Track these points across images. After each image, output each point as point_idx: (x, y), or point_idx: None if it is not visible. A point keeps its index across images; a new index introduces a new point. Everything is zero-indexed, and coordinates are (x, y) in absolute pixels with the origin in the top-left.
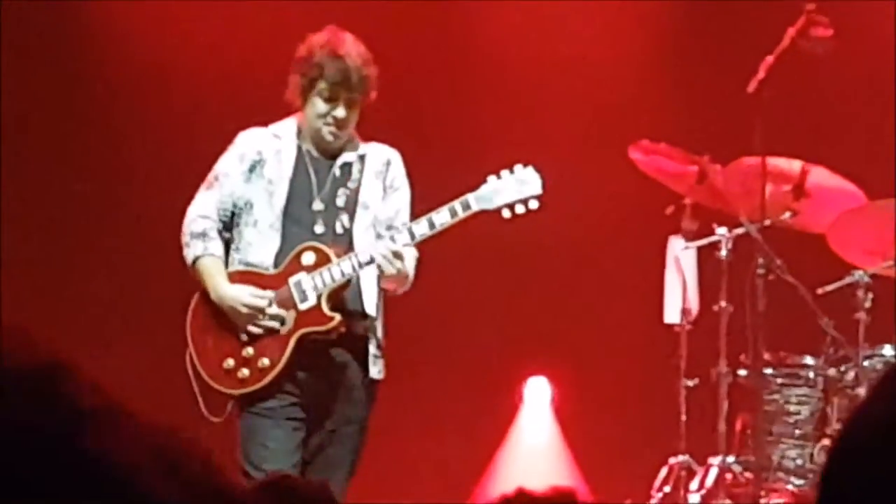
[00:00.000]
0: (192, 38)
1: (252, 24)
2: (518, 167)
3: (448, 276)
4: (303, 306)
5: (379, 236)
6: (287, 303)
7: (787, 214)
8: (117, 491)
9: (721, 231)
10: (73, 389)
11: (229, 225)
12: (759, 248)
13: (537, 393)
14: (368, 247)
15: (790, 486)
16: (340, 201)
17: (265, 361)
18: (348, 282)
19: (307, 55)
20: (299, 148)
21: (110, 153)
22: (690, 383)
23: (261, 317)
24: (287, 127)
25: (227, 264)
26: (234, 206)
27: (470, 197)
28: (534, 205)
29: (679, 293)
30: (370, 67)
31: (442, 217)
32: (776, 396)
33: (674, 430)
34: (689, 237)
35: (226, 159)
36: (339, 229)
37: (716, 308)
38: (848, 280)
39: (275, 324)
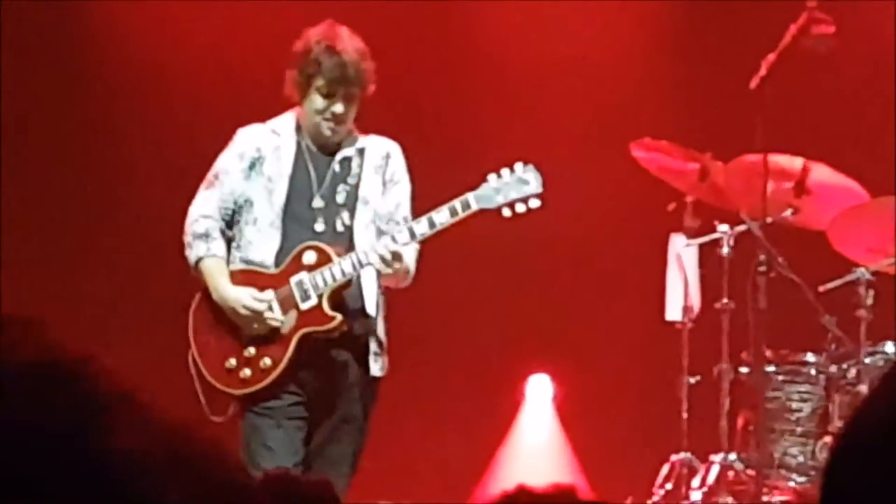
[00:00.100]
0: (191, 38)
1: (252, 24)
2: (518, 165)
3: (449, 274)
4: (304, 306)
5: (380, 231)
6: (288, 302)
7: (789, 212)
8: (127, 488)
9: (723, 228)
10: (87, 384)
11: (230, 223)
12: (761, 245)
13: (539, 390)
14: (369, 247)
15: (792, 484)
16: (340, 198)
17: (267, 361)
18: (349, 281)
19: (304, 51)
20: (298, 144)
21: (110, 153)
22: (692, 380)
23: (262, 319)
24: (285, 122)
25: (228, 262)
26: (235, 203)
27: (470, 196)
28: (534, 204)
29: (681, 290)
30: (367, 61)
31: (442, 216)
32: (778, 394)
33: (675, 428)
34: (691, 234)
35: (225, 157)
36: (339, 227)
37: (717, 305)
38: (849, 277)
39: (276, 324)
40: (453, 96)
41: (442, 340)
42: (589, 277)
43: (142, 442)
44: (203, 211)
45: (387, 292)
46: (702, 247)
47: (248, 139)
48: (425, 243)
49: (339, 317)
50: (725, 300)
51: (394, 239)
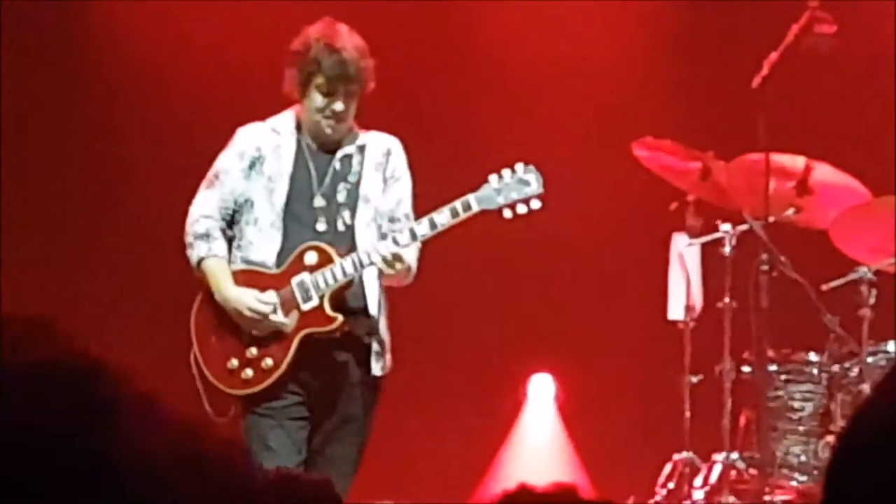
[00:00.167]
0: (191, 38)
1: (252, 24)
2: (519, 166)
3: (451, 274)
4: (305, 307)
5: (381, 229)
6: (290, 303)
7: (791, 211)
8: (136, 489)
9: (725, 228)
10: (101, 385)
11: (231, 222)
12: (763, 244)
13: (541, 390)
14: (370, 247)
15: (794, 483)
16: (341, 197)
17: (269, 362)
18: (350, 281)
19: (303, 49)
20: (298, 142)
21: (110, 153)
22: (694, 380)
23: (264, 321)
24: (285, 121)
25: (230, 262)
26: (236, 203)
27: (471, 197)
28: (535, 205)
29: (683, 290)
30: (367, 59)
31: (443, 217)
32: (780, 393)
33: (678, 427)
34: (693, 234)
35: (225, 156)
36: (340, 227)
37: (719, 305)
38: (852, 276)
39: (279, 326)
40: (454, 96)
41: (444, 340)
42: (591, 277)
43: (152, 443)
44: (203, 211)
45: (389, 291)
46: (704, 246)
47: (248, 138)
48: (427, 243)
49: (340, 318)
50: (727, 299)
51: (395, 241)
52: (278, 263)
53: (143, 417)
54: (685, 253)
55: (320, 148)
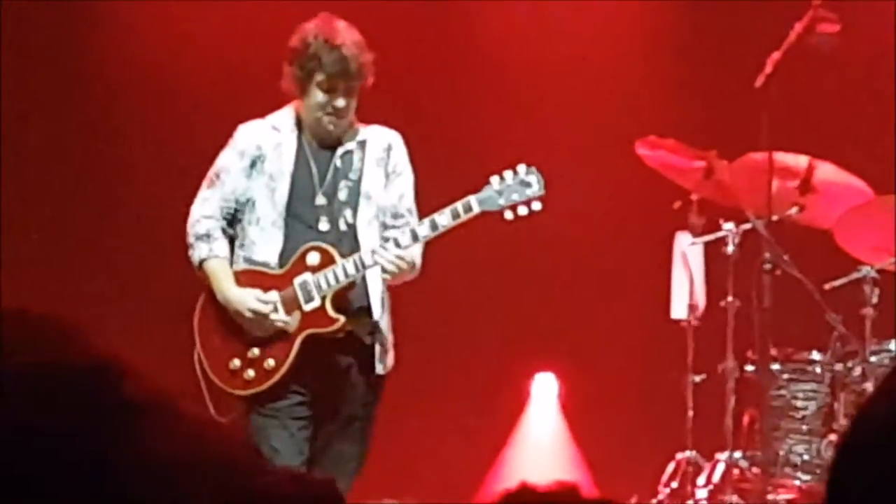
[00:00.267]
0: (192, 38)
1: (253, 23)
2: (521, 167)
3: (454, 273)
4: (307, 307)
5: (384, 225)
6: (292, 304)
7: (794, 210)
8: (153, 492)
9: (728, 226)
10: (120, 388)
11: (232, 221)
12: (766, 243)
13: (544, 389)
14: (374, 247)
15: (797, 482)
16: (343, 195)
17: (271, 362)
18: (353, 282)
19: (302, 46)
20: (299, 140)
21: (110, 153)
22: (697, 379)
23: (266, 321)
24: (285, 118)
25: (232, 262)
26: (237, 202)
27: (472, 199)
28: (536, 206)
29: (686, 289)
30: (366, 53)
31: (444, 219)
32: (783, 392)
33: (681, 426)
34: (696, 233)
35: (226, 155)
36: (342, 226)
37: (723, 304)
38: (855, 275)
39: (281, 326)
40: (454, 96)
41: (447, 339)
42: (594, 276)
43: (170, 447)
44: (204, 211)
45: (392, 290)
46: (707, 245)
47: (249, 137)
48: (429, 242)
49: (342, 319)
50: (730, 298)
51: (397, 243)
52: (281, 263)
53: (165, 420)
54: (688, 252)
55: (321, 145)
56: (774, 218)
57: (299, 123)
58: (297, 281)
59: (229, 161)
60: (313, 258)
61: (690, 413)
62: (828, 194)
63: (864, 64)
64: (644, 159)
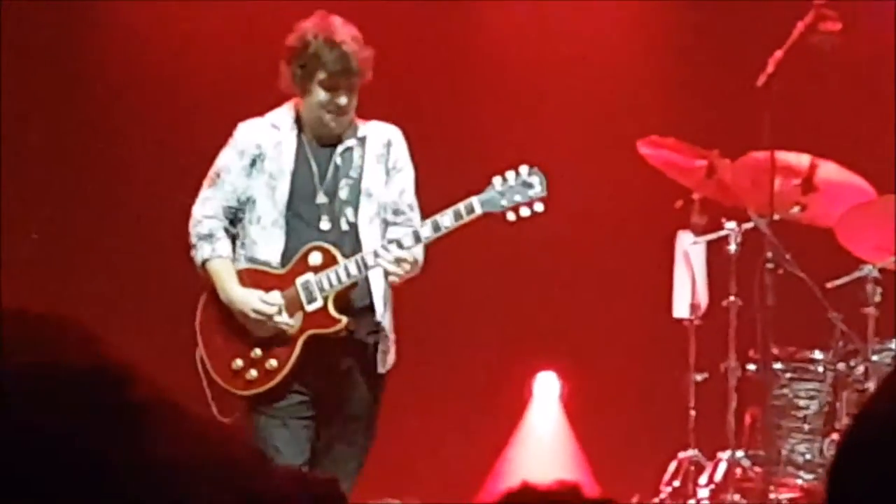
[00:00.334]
0: (192, 37)
1: (253, 24)
2: (523, 168)
3: (456, 272)
4: (310, 308)
5: (386, 222)
6: (294, 304)
7: (796, 209)
8: (162, 494)
9: (730, 225)
10: (129, 391)
11: (234, 220)
12: (768, 242)
13: (546, 388)
14: (375, 251)
15: (799, 481)
16: (343, 193)
17: (273, 363)
18: (355, 282)
19: (301, 45)
20: (299, 138)
21: (110, 153)
22: (699, 378)
23: (269, 322)
24: (283, 116)
25: (234, 260)
26: (238, 201)
27: (474, 200)
28: (539, 207)
29: (688, 288)
30: (365, 49)
31: (446, 220)
32: (785, 391)
33: (683, 425)
34: (698, 232)
35: (226, 154)
36: (344, 225)
37: (725, 303)
38: (857, 274)
39: (284, 328)
40: (455, 96)
41: (449, 338)
42: (596, 275)
43: (172, 447)
44: (206, 211)
45: (394, 288)
46: (709, 244)
47: (248, 135)
48: (430, 242)
49: (344, 319)
50: (733, 297)
51: (399, 244)
52: (283, 263)
53: (168, 420)
54: (690, 251)
55: (321, 142)
56: (776, 217)
57: (298, 121)
58: (300, 281)
59: (229, 160)
60: (315, 258)
61: (692, 412)
62: (830, 193)
63: (866, 63)
64: (646, 158)
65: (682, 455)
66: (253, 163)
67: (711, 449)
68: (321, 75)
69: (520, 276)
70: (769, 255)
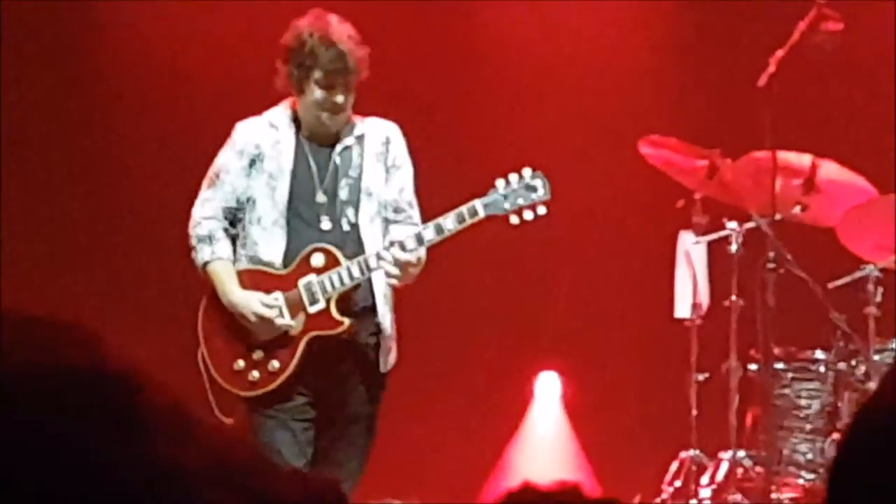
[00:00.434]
0: (192, 38)
1: (253, 24)
2: (526, 171)
3: (457, 272)
4: (312, 309)
5: (387, 220)
6: (296, 305)
7: (798, 209)
8: (167, 499)
9: (731, 225)
10: (134, 394)
11: (234, 221)
12: (770, 242)
13: (548, 388)
14: (377, 254)
15: (800, 481)
16: (343, 193)
17: (275, 364)
18: (357, 284)
19: (297, 44)
20: (297, 137)
21: (110, 153)
22: (701, 378)
23: (271, 324)
24: (281, 115)
25: (235, 262)
26: (238, 202)
27: (477, 203)
28: (542, 210)
29: (689, 288)
30: (361, 47)
31: (449, 223)
32: (786, 391)
33: (684, 425)
34: (700, 231)
35: (225, 154)
36: (345, 225)
37: (726, 303)
38: (858, 274)
39: (286, 329)
40: (456, 96)
41: (451, 338)
42: (597, 275)
43: (181, 452)
44: (205, 213)
45: (395, 288)
46: (710, 244)
47: (247, 135)
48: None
49: (346, 321)
50: (734, 297)
51: (402, 246)
52: (285, 263)
53: (175, 428)
54: (691, 251)
55: (319, 141)
56: (778, 217)
57: (296, 120)
58: (302, 283)
59: (228, 160)
60: (318, 259)
61: (694, 412)
62: (831, 193)
63: (867, 62)
64: (647, 158)
65: (683, 455)
66: (252, 163)
67: (713, 449)
68: (317, 74)
69: (521, 276)
70: (770, 254)
